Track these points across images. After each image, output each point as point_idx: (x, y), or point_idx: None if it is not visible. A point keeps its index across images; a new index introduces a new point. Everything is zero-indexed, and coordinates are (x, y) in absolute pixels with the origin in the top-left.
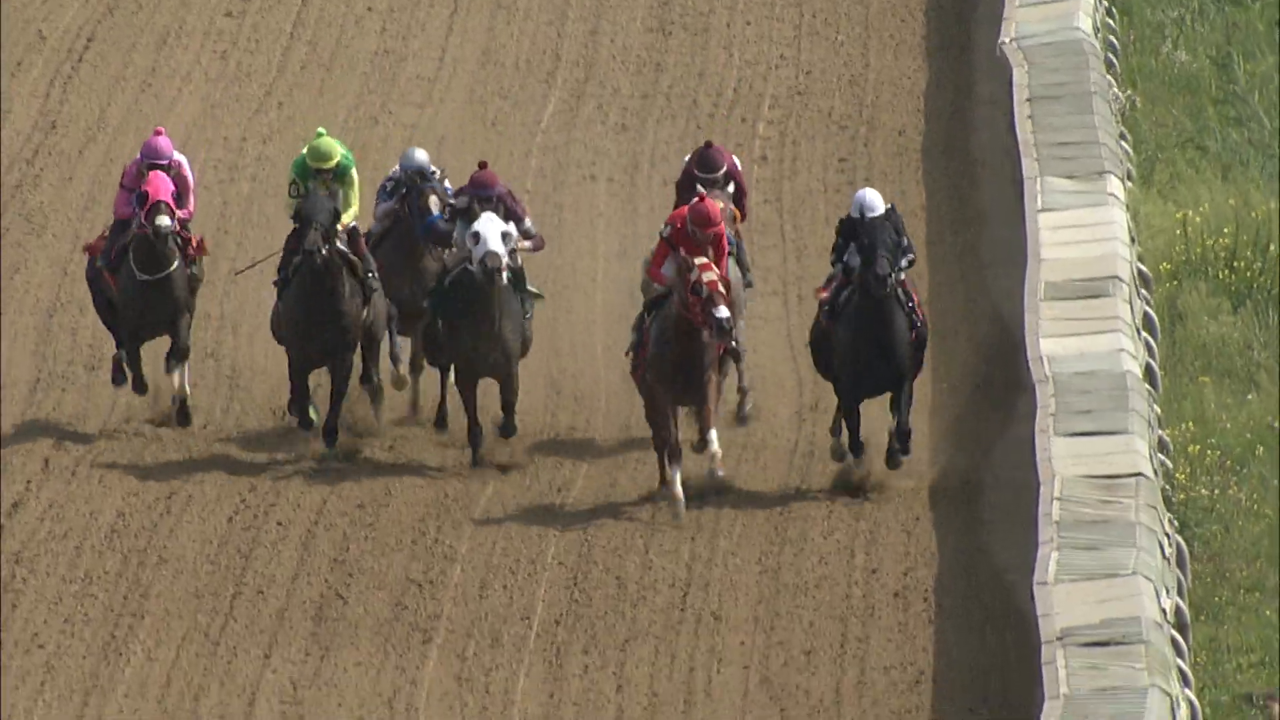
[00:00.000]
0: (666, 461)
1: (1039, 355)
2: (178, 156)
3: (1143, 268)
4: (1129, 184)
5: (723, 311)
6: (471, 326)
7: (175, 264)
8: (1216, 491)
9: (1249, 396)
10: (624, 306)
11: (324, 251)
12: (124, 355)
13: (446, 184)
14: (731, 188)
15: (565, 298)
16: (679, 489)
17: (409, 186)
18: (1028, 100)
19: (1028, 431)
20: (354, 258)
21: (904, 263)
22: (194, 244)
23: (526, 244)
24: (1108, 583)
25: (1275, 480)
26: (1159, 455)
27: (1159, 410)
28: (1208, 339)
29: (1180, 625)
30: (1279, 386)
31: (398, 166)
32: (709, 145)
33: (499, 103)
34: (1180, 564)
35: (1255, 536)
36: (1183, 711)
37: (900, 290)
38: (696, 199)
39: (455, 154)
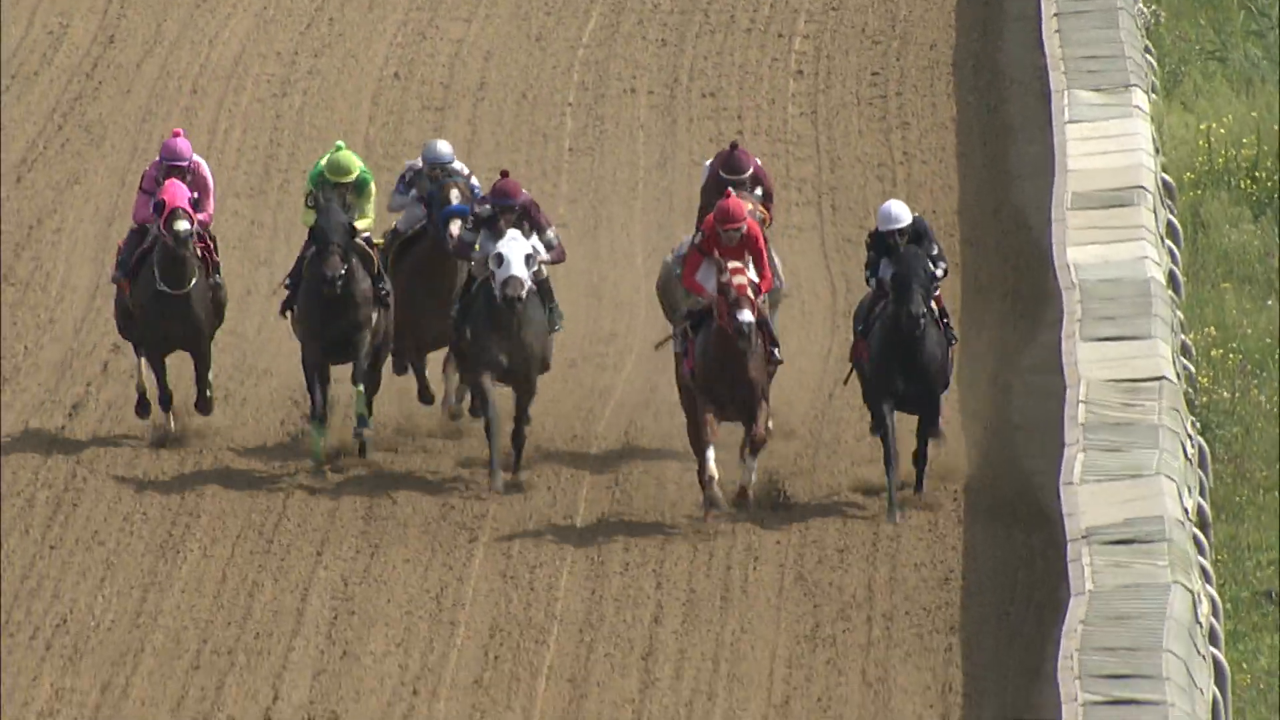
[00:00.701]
0: (704, 479)
1: (1066, 263)
2: (196, 158)
3: (1166, 178)
4: (1153, 97)
5: (746, 315)
6: (494, 337)
7: (195, 279)
8: (1237, 394)
9: (1269, 302)
10: (663, 214)
11: (341, 275)
12: (150, 369)
13: (474, 181)
14: (759, 190)
15: (606, 208)
16: (717, 490)
17: (430, 194)
18: (1055, 15)
19: (1054, 337)
20: (369, 250)
21: (939, 273)
22: (211, 253)
23: (546, 256)
24: (1131, 483)
25: None
26: (1181, 359)
27: (1182, 316)
28: (1229, 247)
29: (1202, 524)
30: None
31: (419, 157)
32: (734, 147)
33: (542, 18)
34: (1202, 464)
35: (1275, 438)
36: (1204, 607)
37: (935, 305)
38: (722, 198)
39: (499, 69)
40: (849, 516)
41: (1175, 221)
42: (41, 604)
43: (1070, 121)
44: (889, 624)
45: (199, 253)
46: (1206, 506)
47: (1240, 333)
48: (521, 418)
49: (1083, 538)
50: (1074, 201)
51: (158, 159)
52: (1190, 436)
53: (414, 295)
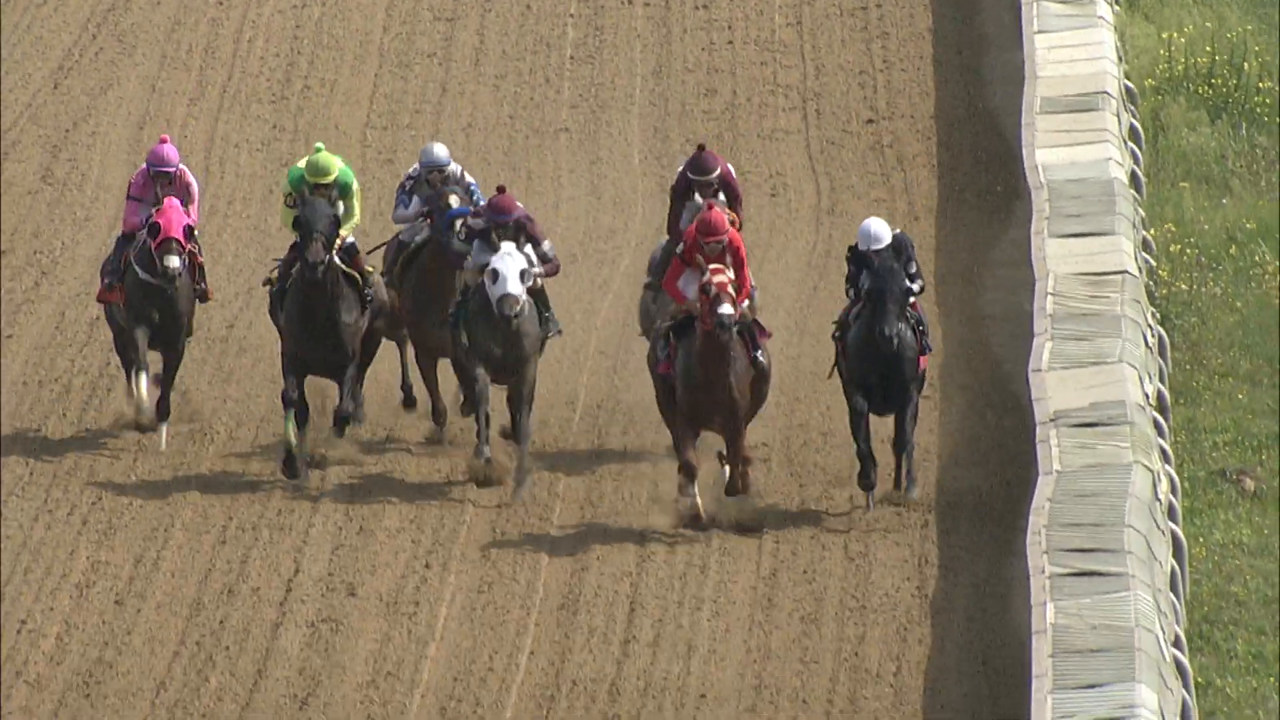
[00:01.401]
0: (685, 483)
1: (1035, 164)
2: (182, 166)
3: (1129, 84)
4: (1116, 8)
5: (726, 309)
6: (491, 341)
7: (181, 274)
8: (1194, 287)
9: (1224, 201)
10: (658, 119)
11: (325, 262)
12: (130, 363)
13: (469, 179)
14: (722, 196)
15: (605, 113)
16: (697, 497)
17: (431, 206)
18: None
19: (1024, 234)
20: (353, 271)
21: (915, 288)
22: (198, 265)
23: (541, 270)
24: (1096, 370)
25: (1248, 276)
26: (1142, 254)
27: (1143, 213)
28: (1187, 149)
29: (1161, 408)
30: (1250, 192)
31: (417, 164)
32: (701, 149)
33: None
34: (1161, 352)
35: (1229, 327)
36: (1164, 486)
37: (910, 314)
38: (705, 207)
39: None
40: (833, 404)
41: (1137, 125)
42: (78, 483)
43: (1039, 31)
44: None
45: (186, 259)
46: (1166, 392)
47: (1197, 229)
48: (522, 414)
49: (1050, 421)
50: (1043, 106)
51: (144, 166)
52: (1150, 326)
53: (421, 305)
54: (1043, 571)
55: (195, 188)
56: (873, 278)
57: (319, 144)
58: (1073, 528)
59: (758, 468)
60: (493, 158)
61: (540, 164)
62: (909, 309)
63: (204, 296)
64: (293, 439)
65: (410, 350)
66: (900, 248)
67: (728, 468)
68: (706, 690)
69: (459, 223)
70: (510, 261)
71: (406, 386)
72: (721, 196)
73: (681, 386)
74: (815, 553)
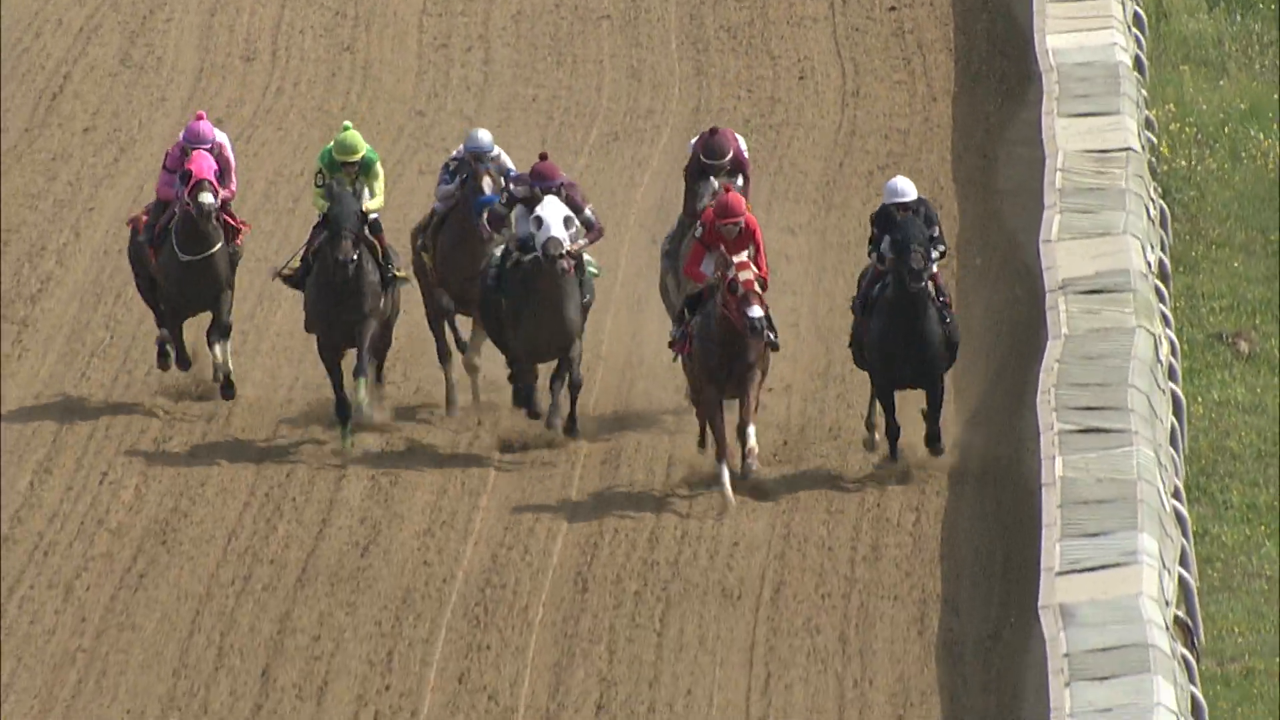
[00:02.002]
0: (716, 460)
1: (1045, 48)
2: (219, 138)
3: None
4: None
5: (756, 311)
6: (533, 309)
7: (218, 245)
8: (1193, 163)
9: (1220, 82)
10: (694, 6)
11: (353, 259)
12: (165, 334)
13: (505, 159)
14: (739, 180)
15: (644, 3)
16: (729, 489)
17: (468, 172)
18: None
19: (1035, 114)
20: (376, 243)
21: (935, 254)
22: (238, 226)
23: (584, 238)
24: (1102, 240)
25: (1243, 153)
26: (1146, 132)
27: (1146, 94)
28: (1187, 34)
29: (1162, 275)
30: (1245, 74)
31: (461, 146)
32: (714, 131)
33: None
34: (1163, 224)
35: (1225, 200)
36: (1164, 348)
37: (933, 284)
38: (723, 191)
39: None
40: (856, 266)
41: (1140, 11)
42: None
43: None
44: None
45: (222, 222)
46: (1166, 260)
47: (1196, 109)
48: (572, 384)
49: (1059, 288)
50: None
51: (180, 140)
52: (1152, 200)
53: (448, 263)
54: (1052, 428)
55: (233, 161)
56: (896, 228)
57: (347, 123)
58: (1080, 387)
59: (764, 435)
60: (540, 43)
61: (584, 49)
62: (933, 281)
63: (236, 256)
64: (347, 444)
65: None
66: (923, 208)
67: (740, 434)
68: (739, 539)
69: (487, 212)
70: (554, 209)
71: (460, 343)
72: (740, 181)
73: (700, 353)
74: (840, 410)
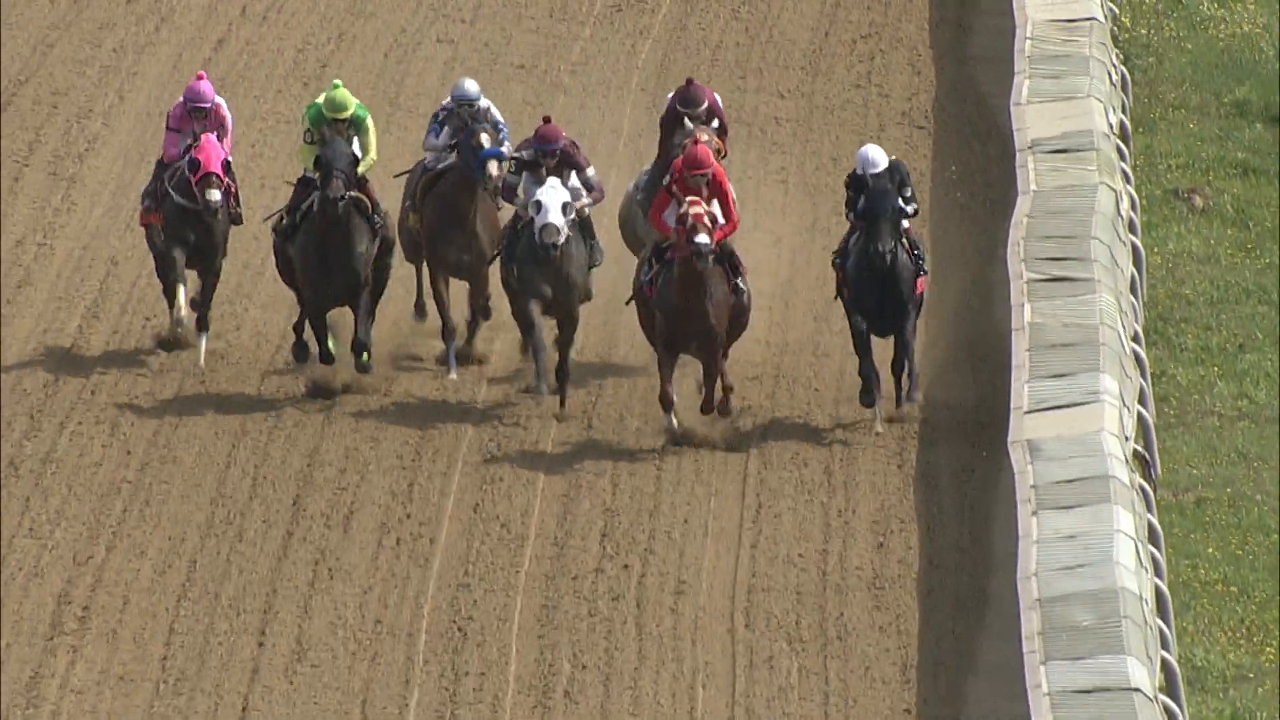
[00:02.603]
0: (664, 409)
1: None
2: (218, 99)
3: None
4: None
5: (702, 238)
6: (539, 271)
7: (221, 207)
8: (1152, 32)
9: None
10: None
11: (345, 198)
12: (164, 285)
13: (494, 111)
14: (715, 123)
15: None
16: (673, 421)
17: (463, 137)
18: None
19: None
20: (364, 199)
21: (909, 210)
22: (233, 193)
23: (586, 200)
24: (1067, 104)
25: (1198, 22)
26: (1108, 3)
27: None
28: None
29: (1123, 136)
30: None
31: (449, 97)
32: (690, 82)
33: None
34: (1124, 88)
35: (1181, 66)
36: (1125, 204)
37: (905, 239)
38: (690, 142)
39: None
40: (844, 129)
41: None
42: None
43: None
44: None
45: (223, 184)
46: (1127, 122)
47: None
48: (566, 351)
49: (1028, 148)
50: None
51: (181, 99)
52: (1114, 66)
53: (439, 227)
54: (1021, 277)
55: (229, 121)
56: (868, 199)
57: (336, 81)
58: (1047, 240)
59: (738, 392)
60: None
61: None
62: (904, 233)
63: (238, 219)
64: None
65: (425, 270)
66: (895, 173)
67: (704, 391)
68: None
69: (493, 163)
70: (553, 194)
71: (419, 303)
72: (715, 124)
73: (660, 312)
74: (824, 265)
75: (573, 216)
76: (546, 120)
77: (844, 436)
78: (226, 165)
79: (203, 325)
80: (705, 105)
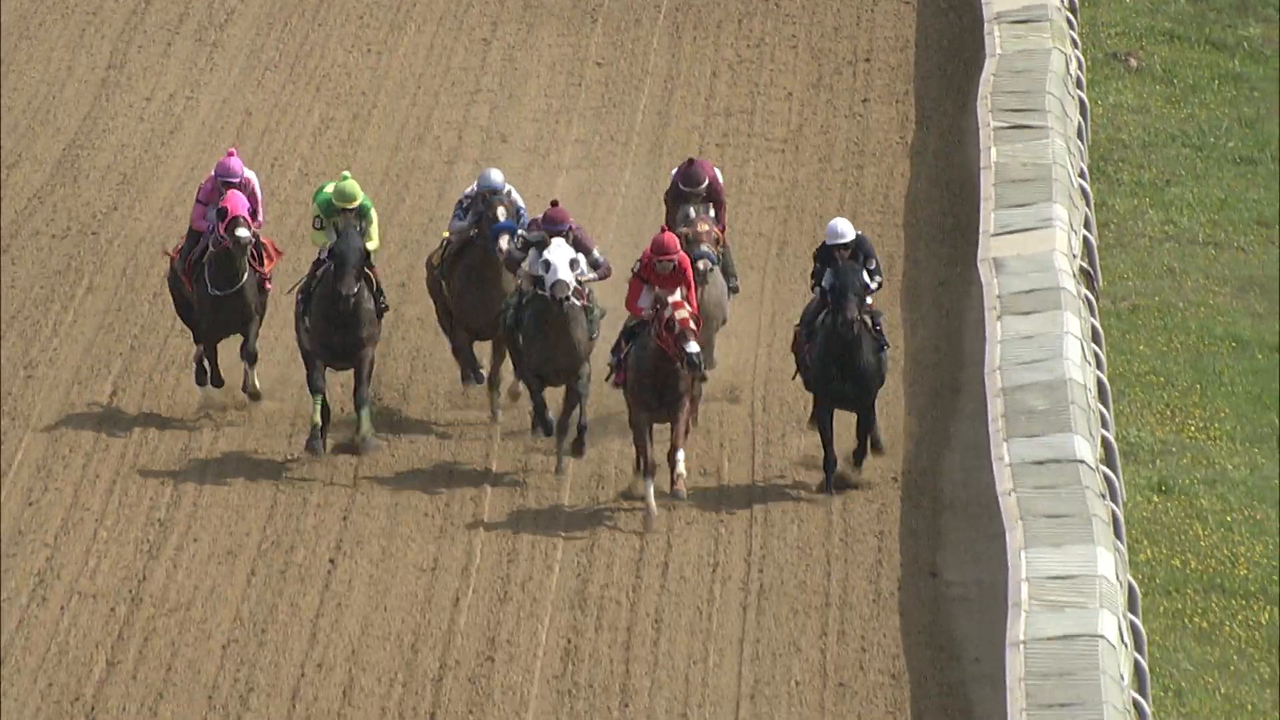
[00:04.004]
0: (641, 475)
1: None
2: (248, 174)
3: None
4: None
5: (693, 347)
6: (543, 342)
7: (245, 277)
8: None
9: None
10: None
11: (355, 293)
12: (200, 352)
13: (515, 195)
14: (711, 211)
15: None
16: (652, 500)
17: (482, 208)
18: None
19: None
20: (372, 278)
21: (874, 285)
22: (268, 250)
23: (593, 275)
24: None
25: None
26: None
27: None
28: None
29: (1072, 8)
30: None
31: (474, 184)
32: (691, 161)
33: None
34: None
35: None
36: (1073, 65)
37: (869, 315)
38: (659, 231)
39: None
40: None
41: None
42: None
43: None
44: (868, 72)
45: (251, 253)
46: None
47: None
48: (568, 412)
49: (994, 19)
50: None
51: (213, 174)
52: None
53: (466, 295)
54: (988, 125)
55: (260, 193)
56: (835, 274)
57: (345, 173)
58: (1009, 94)
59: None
60: None
61: None
62: (867, 307)
63: (263, 302)
64: (318, 419)
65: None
66: (860, 248)
67: (671, 442)
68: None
69: (504, 237)
70: (560, 253)
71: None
72: (711, 213)
73: (634, 379)
74: (829, 114)
75: (579, 273)
76: (554, 204)
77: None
78: (253, 215)
79: (250, 357)
80: (705, 183)
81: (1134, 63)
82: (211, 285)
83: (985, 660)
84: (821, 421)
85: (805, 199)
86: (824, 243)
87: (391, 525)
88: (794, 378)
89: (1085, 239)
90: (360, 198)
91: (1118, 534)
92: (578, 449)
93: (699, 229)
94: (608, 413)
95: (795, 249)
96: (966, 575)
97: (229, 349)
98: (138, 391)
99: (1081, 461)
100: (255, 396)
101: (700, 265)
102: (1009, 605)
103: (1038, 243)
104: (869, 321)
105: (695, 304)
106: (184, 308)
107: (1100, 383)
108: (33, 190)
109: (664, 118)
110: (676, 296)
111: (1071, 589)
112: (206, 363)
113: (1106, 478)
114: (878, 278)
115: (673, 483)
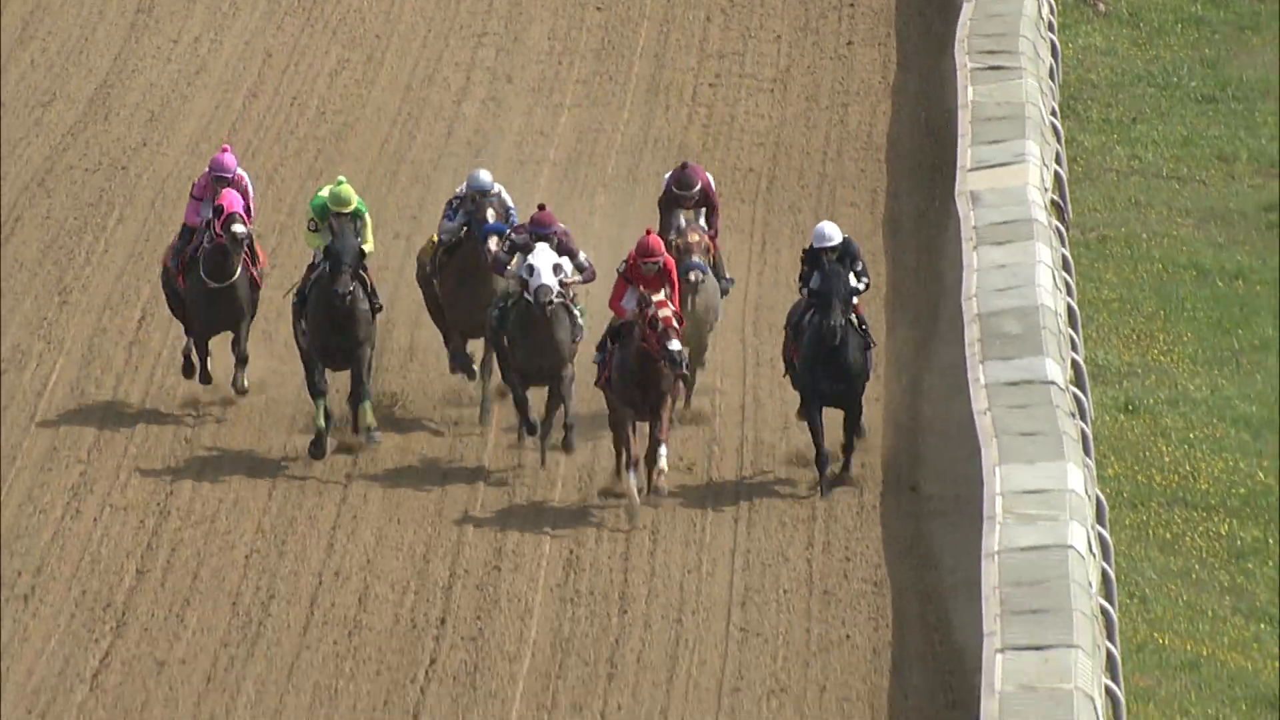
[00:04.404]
0: (623, 468)
1: None
2: (240, 171)
3: None
4: None
5: (675, 345)
6: (527, 343)
7: (239, 272)
8: None
9: None
10: None
11: (351, 292)
12: (192, 347)
13: (505, 195)
14: (703, 220)
15: None
16: (635, 493)
17: (472, 209)
18: None
19: None
20: (367, 280)
21: (860, 286)
22: (259, 258)
23: (578, 277)
24: None
25: None
26: None
27: None
28: None
29: None
30: None
31: (464, 185)
32: (685, 166)
33: None
34: None
35: None
36: (1045, 9)
37: (855, 315)
38: (644, 233)
39: None
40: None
41: None
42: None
43: None
44: (853, 16)
45: (245, 251)
46: None
47: None
48: (552, 413)
49: None
50: None
51: (207, 170)
52: None
53: (457, 295)
54: (965, 66)
55: (252, 192)
56: (821, 278)
57: (341, 177)
58: (985, 37)
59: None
60: None
61: None
62: (854, 309)
63: (256, 298)
64: (321, 423)
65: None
66: (847, 251)
67: (650, 442)
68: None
69: (493, 239)
70: (544, 257)
71: (457, 356)
72: (702, 222)
73: (617, 379)
74: (815, 57)
75: (563, 277)
76: (541, 207)
77: (830, 189)
78: (248, 211)
79: (241, 359)
80: (698, 187)
81: (1102, 7)
82: (207, 277)
83: (962, 569)
84: (811, 421)
85: (793, 136)
86: (810, 246)
87: (405, 442)
88: (784, 376)
89: (1056, 173)
90: (355, 202)
91: (1086, 451)
92: (567, 446)
93: (690, 239)
94: (601, 410)
95: (783, 183)
96: (944, 490)
97: (223, 355)
98: (165, 318)
99: (1052, 383)
100: (243, 393)
101: (692, 276)
102: (984, 518)
103: (1012, 177)
104: (855, 321)
105: (678, 303)
106: (176, 303)
107: (1070, 309)
108: (66, 127)
109: (660, 59)
110: (660, 296)
111: (1043, 503)
112: (196, 358)
113: (1076, 398)
114: (864, 279)
115: (653, 478)
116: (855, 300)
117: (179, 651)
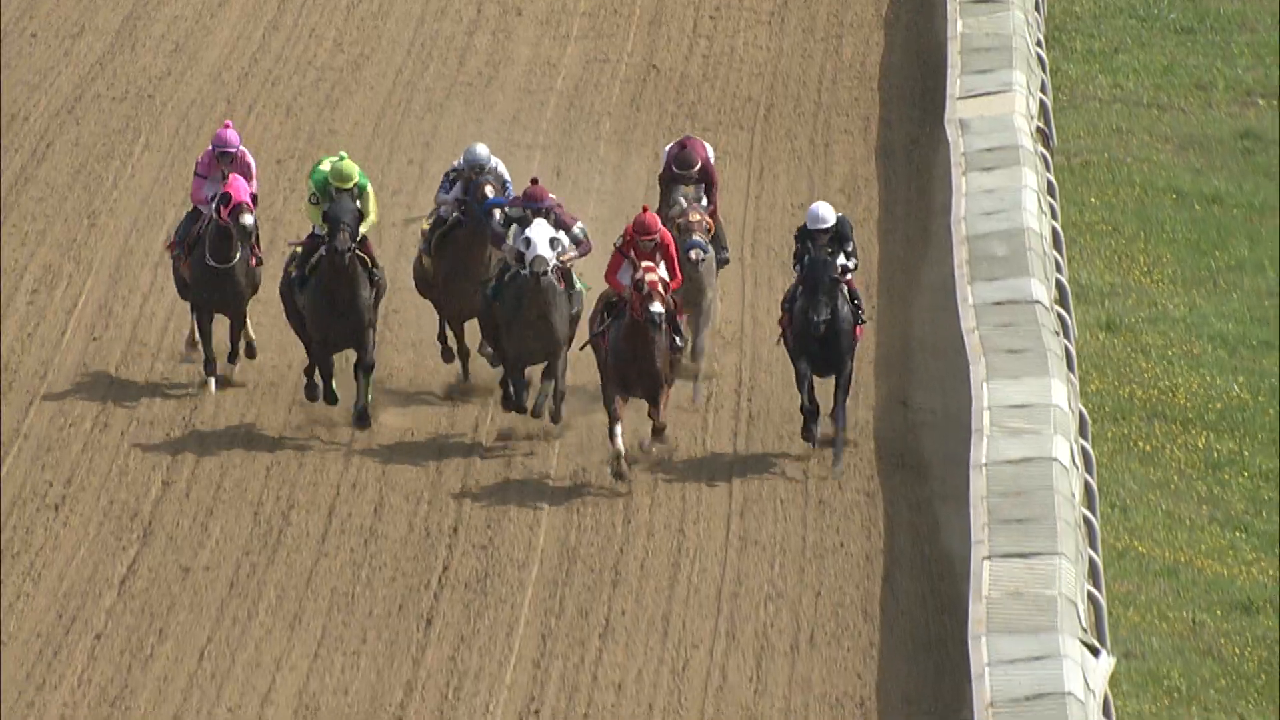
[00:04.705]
0: (614, 434)
1: None
2: (243, 148)
3: None
4: None
5: (657, 307)
6: (523, 319)
7: (239, 254)
8: None
9: None
10: None
11: (351, 249)
12: (198, 330)
13: (501, 168)
14: (703, 197)
15: None
16: (621, 446)
17: (470, 185)
18: None
19: None
20: (365, 256)
21: (851, 265)
22: (255, 249)
23: (573, 252)
24: None
25: None
26: None
27: None
28: None
29: None
30: None
31: (460, 159)
32: (684, 145)
33: None
34: None
35: None
36: None
37: (847, 289)
38: (640, 211)
39: None
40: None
41: None
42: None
43: None
44: None
45: (253, 210)
46: None
47: None
48: (557, 396)
49: None
50: None
51: (210, 147)
52: None
53: (453, 275)
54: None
55: (254, 167)
56: (809, 266)
57: (342, 153)
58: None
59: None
60: None
61: None
62: (846, 285)
63: (257, 279)
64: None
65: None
66: (839, 233)
67: (653, 419)
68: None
69: (496, 211)
70: (540, 230)
71: (442, 338)
72: (703, 201)
73: (612, 360)
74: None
75: (559, 251)
76: (534, 181)
77: (825, 118)
78: (254, 200)
79: (232, 355)
80: (699, 165)
81: None
82: (210, 257)
83: (950, 480)
84: (801, 383)
85: (790, 67)
86: (804, 226)
87: (418, 358)
88: (777, 342)
89: (1041, 102)
90: (357, 176)
91: (1070, 367)
92: (555, 418)
93: (691, 219)
94: (594, 384)
95: (780, 111)
96: (934, 404)
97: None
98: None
99: (1038, 302)
100: (251, 354)
101: (693, 255)
102: (972, 431)
103: (999, 105)
104: (847, 294)
105: (679, 277)
106: (182, 285)
107: (1055, 231)
108: (95, 57)
109: None
110: (649, 264)
111: (1028, 417)
112: (200, 344)
113: (1060, 317)
114: (854, 259)
115: (657, 433)
116: (849, 277)
117: (203, 559)
